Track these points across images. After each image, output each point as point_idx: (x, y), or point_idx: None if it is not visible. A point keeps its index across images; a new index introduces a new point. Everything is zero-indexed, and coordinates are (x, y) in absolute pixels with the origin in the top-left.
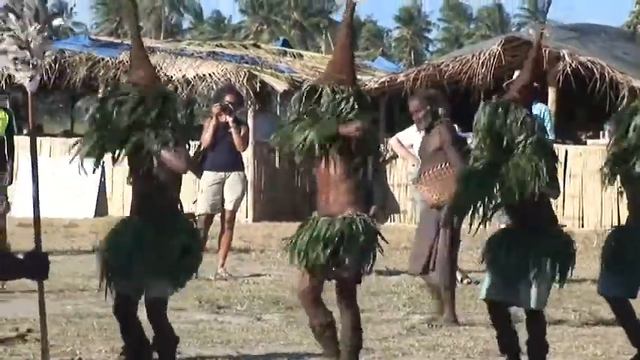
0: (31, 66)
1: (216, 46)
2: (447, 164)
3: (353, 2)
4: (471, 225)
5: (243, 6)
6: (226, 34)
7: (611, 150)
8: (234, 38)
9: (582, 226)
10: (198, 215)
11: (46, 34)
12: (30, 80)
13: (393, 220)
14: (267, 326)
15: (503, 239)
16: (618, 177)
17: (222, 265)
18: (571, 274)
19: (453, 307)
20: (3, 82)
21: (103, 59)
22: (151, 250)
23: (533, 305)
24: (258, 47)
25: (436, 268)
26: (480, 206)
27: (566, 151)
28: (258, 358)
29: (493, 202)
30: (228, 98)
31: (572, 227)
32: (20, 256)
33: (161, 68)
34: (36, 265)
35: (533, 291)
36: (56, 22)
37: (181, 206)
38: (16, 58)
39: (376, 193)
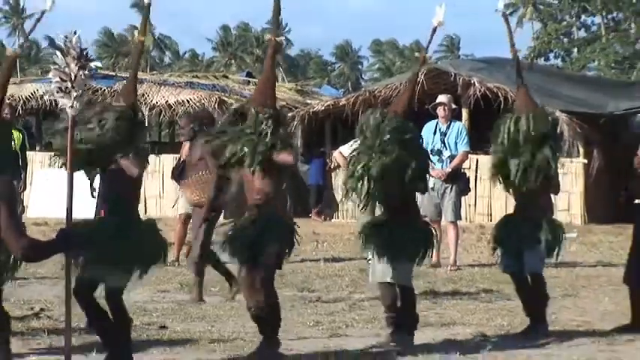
0: (72, 95)
1: (193, 77)
2: (208, 171)
3: (276, 42)
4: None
5: (215, 44)
6: (200, 68)
7: (494, 156)
8: (208, 71)
9: (491, 220)
10: (179, 215)
11: (86, 71)
12: (71, 107)
13: (337, 217)
14: (236, 304)
15: (378, 228)
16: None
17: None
18: (430, 258)
19: (201, 291)
20: (19, 107)
21: (101, 88)
22: (111, 246)
23: (399, 281)
24: (227, 78)
25: (189, 256)
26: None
27: (477, 160)
28: (228, 330)
29: (369, 194)
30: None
31: (482, 221)
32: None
33: (148, 95)
34: (67, 238)
35: (400, 270)
36: (93, 64)
37: (136, 210)
38: (60, 88)
39: (325, 196)
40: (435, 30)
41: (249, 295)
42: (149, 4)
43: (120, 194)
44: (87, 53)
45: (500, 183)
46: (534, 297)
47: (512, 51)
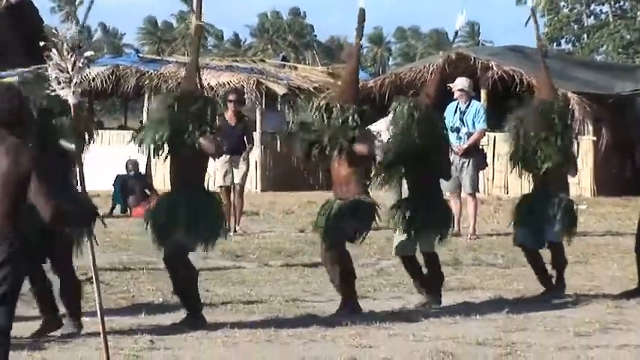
0: (72, 84)
1: (233, 61)
2: None
3: (360, 45)
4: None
5: (253, 31)
6: (240, 52)
7: (514, 145)
8: (246, 55)
9: (507, 193)
10: (219, 187)
11: (82, 59)
12: (73, 94)
13: None
14: (272, 270)
15: (406, 204)
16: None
17: (238, 225)
18: (451, 231)
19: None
20: None
21: (148, 72)
22: (183, 215)
23: (427, 249)
24: (264, 61)
25: None
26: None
27: (495, 137)
28: (265, 294)
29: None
30: (231, 97)
31: (499, 193)
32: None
33: None
34: (85, 213)
35: (423, 239)
36: (87, 53)
37: (204, 183)
38: (59, 80)
39: None
40: (457, 33)
41: (331, 269)
42: None
43: (190, 170)
44: (79, 46)
45: (519, 166)
46: (554, 263)
47: (538, 44)
